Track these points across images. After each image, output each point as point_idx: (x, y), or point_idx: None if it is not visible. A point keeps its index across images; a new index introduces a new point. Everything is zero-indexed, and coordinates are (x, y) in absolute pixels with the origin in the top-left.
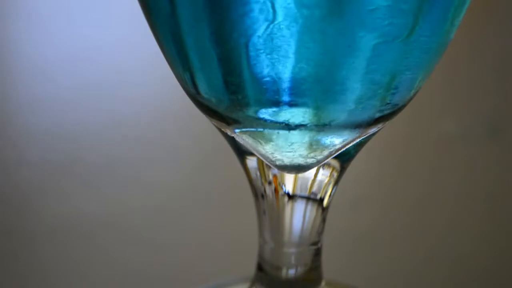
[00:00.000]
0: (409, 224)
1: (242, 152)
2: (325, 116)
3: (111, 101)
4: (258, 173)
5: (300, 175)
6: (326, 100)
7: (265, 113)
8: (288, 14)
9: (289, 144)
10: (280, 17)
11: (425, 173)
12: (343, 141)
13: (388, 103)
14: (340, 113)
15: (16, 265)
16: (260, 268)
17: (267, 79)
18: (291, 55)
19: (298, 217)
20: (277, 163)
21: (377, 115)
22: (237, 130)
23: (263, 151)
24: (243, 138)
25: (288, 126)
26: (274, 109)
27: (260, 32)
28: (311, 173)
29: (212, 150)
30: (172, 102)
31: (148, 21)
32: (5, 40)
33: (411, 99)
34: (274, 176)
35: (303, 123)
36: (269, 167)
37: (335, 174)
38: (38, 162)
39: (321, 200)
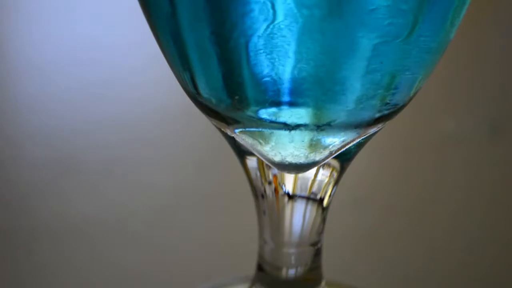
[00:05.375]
0: (410, 224)
1: (242, 152)
2: (325, 116)
3: (111, 101)
4: (258, 173)
5: (300, 175)
6: (326, 100)
7: (265, 113)
8: (288, 14)
9: (289, 144)
10: (280, 17)
11: (425, 173)
12: (343, 141)
13: (388, 103)
14: (340, 113)
15: (15, 265)
16: (260, 268)
17: (267, 79)
18: (291, 55)
19: (298, 217)
20: (277, 163)
21: (377, 115)
22: (237, 130)
23: (263, 151)
24: (243, 138)
25: (288, 126)
26: (274, 109)
27: (260, 32)
28: (311, 173)
29: (212, 150)
30: (172, 102)
31: (148, 21)
32: (5, 40)
33: (411, 99)
34: (274, 176)
35: (303, 123)
36: (269, 167)
37: (335, 174)
38: (38, 162)
39: (321, 200)
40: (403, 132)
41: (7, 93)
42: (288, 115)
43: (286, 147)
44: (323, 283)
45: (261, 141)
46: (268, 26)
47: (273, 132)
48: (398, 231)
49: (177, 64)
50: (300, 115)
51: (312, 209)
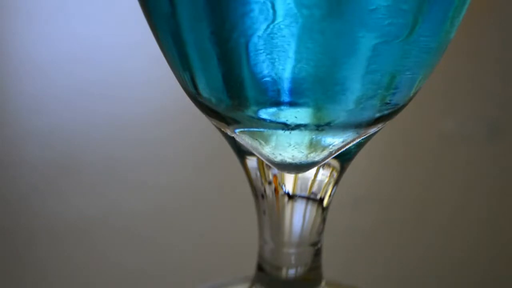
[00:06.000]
0: (410, 224)
1: (242, 152)
2: (325, 116)
3: (111, 101)
4: (258, 173)
5: (300, 175)
6: (326, 100)
7: (265, 113)
8: (288, 14)
9: (289, 144)
10: (280, 17)
11: (425, 173)
12: (343, 141)
13: (388, 103)
14: (340, 113)
15: (15, 265)
16: (260, 268)
17: (267, 79)
18: (291, 55)
19: (298, 217)
20: (277, 163)
21: (377, 115)
22: (237, 130)
23: (263, 151)
24: (243, 138)
25: (288, 126)
26: (274, 109)
27: (260, 32)
28: (311, 173)
29: (212, 150)
30: (172, 102)
31: (148, 21)
32: (5, 40)
33: (411, 99)
34: (274, 176)
35: (303, 123)
36: (269, 167)
37: (335, 174)
38: (38, 162)
39: (321, 200)
40: (403, 132)
41: (7, 93)
42: (288, 115)
43: (286, 147)
44: (323, 283)
45: (261, 141)
46: (268, 26)
47: (273, 132)
48: (398, 231)
49: (177, 64)
50: (300, 115)
51: (312, 209)
